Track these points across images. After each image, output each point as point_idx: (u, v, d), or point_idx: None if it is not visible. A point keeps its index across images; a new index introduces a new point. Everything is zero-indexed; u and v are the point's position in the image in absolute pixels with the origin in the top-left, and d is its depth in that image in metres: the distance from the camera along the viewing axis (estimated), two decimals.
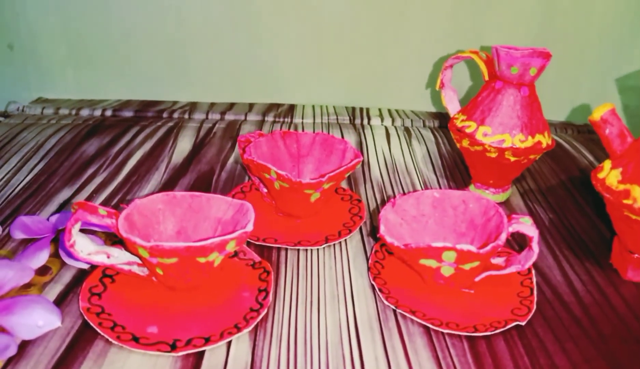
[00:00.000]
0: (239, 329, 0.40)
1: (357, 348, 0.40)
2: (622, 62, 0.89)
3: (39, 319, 0.40)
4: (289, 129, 0.78)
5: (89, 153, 0.66)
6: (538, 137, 0.56)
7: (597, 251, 0.53)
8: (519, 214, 0.44)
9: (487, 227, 0.47)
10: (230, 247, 0.41)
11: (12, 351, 0.37)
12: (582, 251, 0.53)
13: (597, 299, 0.46)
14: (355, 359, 0.39)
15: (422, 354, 0.39)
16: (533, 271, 0.48)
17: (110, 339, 0.38)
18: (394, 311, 0.43)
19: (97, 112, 0.80)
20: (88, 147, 0.67)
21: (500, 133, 0.55)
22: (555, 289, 0.47)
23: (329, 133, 0.76)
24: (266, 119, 0.82)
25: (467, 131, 0.57)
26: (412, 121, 0.83)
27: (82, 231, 0.46)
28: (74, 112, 0.80)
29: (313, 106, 0.89)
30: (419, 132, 0.78)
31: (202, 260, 0.40)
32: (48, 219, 0.52)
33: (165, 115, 0.81)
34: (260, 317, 0.41)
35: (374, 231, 0.54)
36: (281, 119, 0.82)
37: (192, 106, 0.85)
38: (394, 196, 0.49)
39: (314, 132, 0.69)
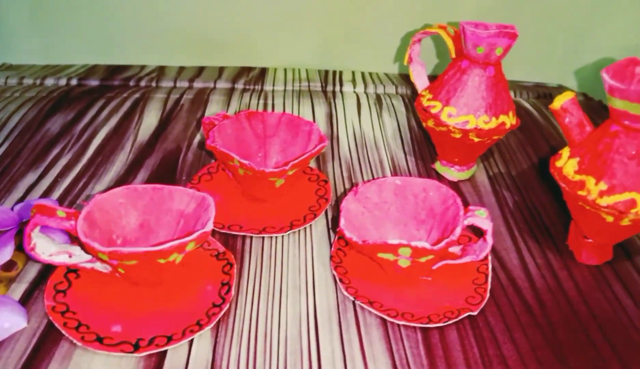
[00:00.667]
0: (200, 327, 0.41)
1: (315, 342, 0.41)
2: (597, 18, 0.88)
3: (5, 321, 0.41)
4: (259, 96, 0.77)
5: (53, 131, 0.65)
6: (502, 118, 0.56)
7: (555, 231, 0.54)
8: (475, 207, 0.45)
9: (446, 216, 0.48)
10: (190, 247, 0.42)
11: None
12: (540, 232, 0.54)
13: (550, 284, 0.48)
14: (313, 353, 0.40)
15: (376, 347, 0.41)
16: (489, 257, 0.49)
17: (74, 341, 0.39)
18: (353, 301, 0.45)
19: (62, 81, 0.78)
20: (52, 125, 0.66)
21: (464, 114, 0.55)
22: (510, 274, 0.49)
23: (299, 103, 0.75)
24: (236, 86, 0.80)
25: (433, 111, 0.57)
26: (384, 86, 0.82)
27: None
28: (38, 81, 0.78)
29: (285, 69, 0.87)
30: (390, 101, 0.77)
31: (162, 261, 0.41)
32: (12, 209, 0.52)
33: (132, 83, 0.79)
34: (222, 313, 0.43)
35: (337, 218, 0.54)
36: (251, 86, 0.80)
37: (160, 72, 0.83)
38: (357, 184, 0.50)
39: (283, 110, 0.69)
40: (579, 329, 0.44)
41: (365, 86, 0.82)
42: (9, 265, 0.47)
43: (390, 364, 0.40)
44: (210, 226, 0.42)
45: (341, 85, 0.82)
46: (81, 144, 0.63)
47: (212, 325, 0.42)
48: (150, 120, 0.69)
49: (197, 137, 0.66)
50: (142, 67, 0.85)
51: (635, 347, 0.42)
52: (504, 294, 0.47)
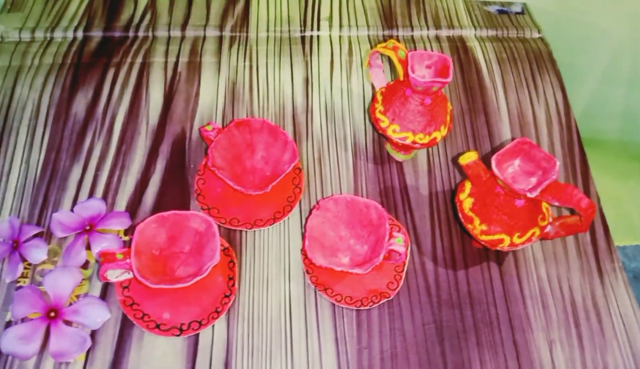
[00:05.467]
0: (218, 313, 0.66)
1: (289, 321, 0.67)
2: None
3: (97, 317, 0.66)
4: (244, 56, 0.88)
5: (80, 116, 0.80)
6: (434, 134, 0.71)
7: None
8: (397, 233, 0.66)
9: (379, 231, 0.68)
10: (207, 273, 0.64)
11: (89, 343, 0.64)
12: (455, 216, 0.75)
13: (448, 265, 0.71)
14: (288, 330, 0.66)
15: (326, 324, 0.67)
16: (409, 249, 0.71)
17: (143, 330, 0.65)
18: (314, 289, 0.69)
19: (69, 34, 0.88)
20: (77, 106, 0.81)
21: (405, 131, 0.71)
22: (423, 259, 0.72)
23: (280, 65, 0.86)
24: (224, 33, 0.90)
25: (382, 125, 0.72)
26: (357, 28, 0.92)
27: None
28: (48, 35, 0.88)
29: (267, 3, 0.94)
30: (360, 56, 0.88)
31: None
32: (73, 210, 0.72)
33: (130, 33, 0.89)
34: (231, 302, 0.67)
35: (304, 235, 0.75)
36: (237, 33, 0.90)
37: (153, 12, 0.91)
38: (319, 201, 0.69)
39: (266, 76, 0.83)
40: (456, 305, 0.69)
41: (341, 27, 0.91)
42: (85, 264, 0.70)
43: (334, 336, 0.66)
44: (217, 259, 0.64)
45: (318, 27, 0.91)
46: (106, 130, 0.79)
47: (225, 312, 0.67)
48: (156, 96, 0.82)
49: (196, 119, 0.81)
50: (135, 3, 0.93)
51: (489, 320, 0.68)
52: (415, 277, 0.70)
